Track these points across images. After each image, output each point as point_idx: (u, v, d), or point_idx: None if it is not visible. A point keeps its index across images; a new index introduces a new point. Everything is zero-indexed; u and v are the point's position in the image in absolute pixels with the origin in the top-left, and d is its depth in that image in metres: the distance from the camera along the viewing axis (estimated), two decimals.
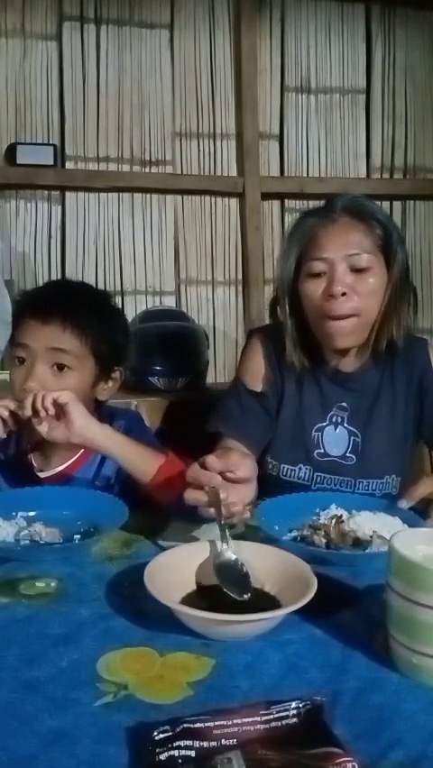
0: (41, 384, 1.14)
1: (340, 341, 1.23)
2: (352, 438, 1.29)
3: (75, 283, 1.45)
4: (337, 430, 1.30)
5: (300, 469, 1.30)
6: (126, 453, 1.10)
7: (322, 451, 1.29)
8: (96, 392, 1.26)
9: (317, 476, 1.29)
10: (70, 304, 1.21)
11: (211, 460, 0.90)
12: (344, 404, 1.31)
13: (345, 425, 1.30)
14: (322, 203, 1.32)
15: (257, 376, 1.33)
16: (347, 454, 1.29)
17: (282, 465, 1.31)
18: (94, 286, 1.47)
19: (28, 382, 1.14)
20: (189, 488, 0.91)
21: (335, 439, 1.30)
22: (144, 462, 1.10)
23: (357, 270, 1.20)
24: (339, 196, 1.28)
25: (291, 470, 1.30)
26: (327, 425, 1.30)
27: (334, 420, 1.31)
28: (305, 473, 1.29)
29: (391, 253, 1.23)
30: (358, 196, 1.30)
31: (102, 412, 1.29)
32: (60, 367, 1.17)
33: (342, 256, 1.20)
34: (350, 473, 1.28)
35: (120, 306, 2.42)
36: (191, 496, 0.91)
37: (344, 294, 1.19)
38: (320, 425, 1.30)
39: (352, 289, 1.20)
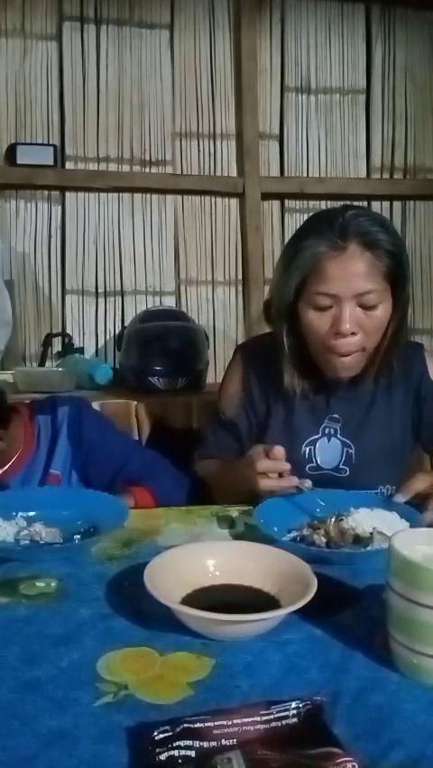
0: None
1: (343, 373, 1.20)
2: (345, 450, 1.26)
3: None
4: (330, 442, 1.27)
5: None
6: None
7: (314, 464, 1.26)
8: None
9: None
10: None
11: (277, 450, 1.06)
12: (336, 415, 1.27)
13: (339, 436, 1.26)
14: (323, 204, 1.27)
15: (233, 400, 1.33)
16: (341, 466, 1.25)
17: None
18: None
19: None
20: (262, 477, 1.06)
21: (328, 451, 1.26)
22: None
23: (366, 307, 1.14)
24: (348, 219, 1.13)
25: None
26: (319, 438, 1.26)
27: (326, 432, 1.27)
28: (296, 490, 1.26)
29: (400, 281, 1.16)
30: (368, 222, 1.14)
31: (35, 405, 1.37)
32: None
33: (351, 294, 1.12)
34: (343, 485, 1.22)
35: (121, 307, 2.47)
36: (268, 484, 1.06)
37: (353, 333, 1.15)
38: (312, 437, 1.26)
39: (359, 327, 1.15)
